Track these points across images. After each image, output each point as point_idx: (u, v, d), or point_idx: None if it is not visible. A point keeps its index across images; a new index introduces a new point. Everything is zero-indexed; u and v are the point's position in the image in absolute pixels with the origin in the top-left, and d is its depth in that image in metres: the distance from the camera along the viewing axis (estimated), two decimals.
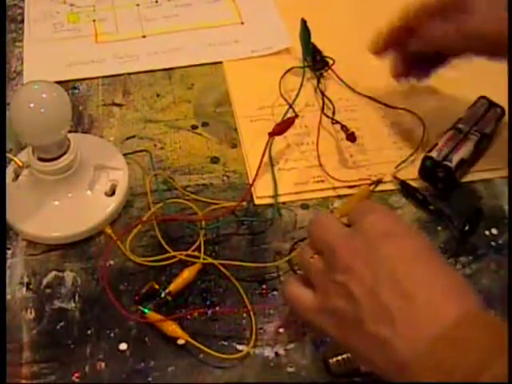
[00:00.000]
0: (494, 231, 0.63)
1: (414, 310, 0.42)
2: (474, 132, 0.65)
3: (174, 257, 0.60)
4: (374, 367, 0.44)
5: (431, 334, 0.41)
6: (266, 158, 0.67)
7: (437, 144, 0.65)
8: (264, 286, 0.59)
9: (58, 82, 0.60)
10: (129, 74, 0.77)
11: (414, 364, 0.41)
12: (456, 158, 0.63)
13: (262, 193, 0.65)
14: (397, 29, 0.66)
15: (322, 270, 0.48)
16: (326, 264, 0.47)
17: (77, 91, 0.75)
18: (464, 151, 0.64)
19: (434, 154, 0.64)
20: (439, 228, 0.63)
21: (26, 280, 0.59)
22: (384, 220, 0.47)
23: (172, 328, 0.55)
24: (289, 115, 0.71)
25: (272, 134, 0.67)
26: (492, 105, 0.68)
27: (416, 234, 0.48)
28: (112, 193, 0.64)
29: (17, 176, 0.64)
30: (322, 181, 0.66)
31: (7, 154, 0.64)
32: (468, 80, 0.71)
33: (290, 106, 0.71)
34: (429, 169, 0.64)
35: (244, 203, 0.64)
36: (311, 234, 0.50)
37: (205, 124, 0.72)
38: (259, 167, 0.65)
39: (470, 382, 0.38)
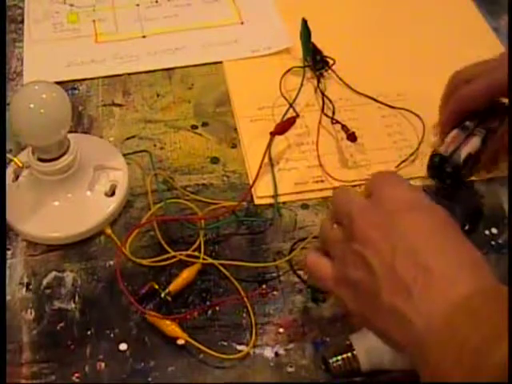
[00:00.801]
0: (494, 231, 0.63)
1: (430, 283, 0.42)
2: (479, 129, 0.65)
3: (174, 257, 0.60)
4: (389, 338, 0.45)
5: (446, 305, 0.41)
6: (265, 158, 0.67)
7: (443, 142, 0.65)
8: (264, 286, 0.59)
9: (58, 83, 0.61)
10: (129, 74, 0.77)
11: (428, 336, 0.41)
12: (464, 154, 0.63)
13: (262, 193, 0.65)
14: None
15: (340, 240, 0.48)
16: (345, 234, 0.48)
17: (77, 91, 0.75)
18: (471, 146, 0.64)
19: (441, 149, 0.64)
20: None
21: (25, 280, 0.59)
22: (403, 193, 0.48)
23: (172, 328, 0.55)
24: (289, 115, 0.70)
25: (274, 134, 0.67)
26: (495, 101, 0.67)
27: (434, 207, 0.47)
28: (112, 193, 0.64)
29: (17, 176, 0.64)
30: (322, 181, 0.66)
31: (7, 155, 0.65)
32: None
33: (291, 106, 0.71)
34: (437, 165, 0.64)
35: (244, 203, 0.64)
36: (333, 205, 0.51)
37: (205, 124, 0.72)
38: (260, 167, 0.65)
39: (482, 354, 0.38)
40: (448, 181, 0.64)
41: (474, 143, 0.64)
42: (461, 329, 0.40)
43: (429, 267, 0.42)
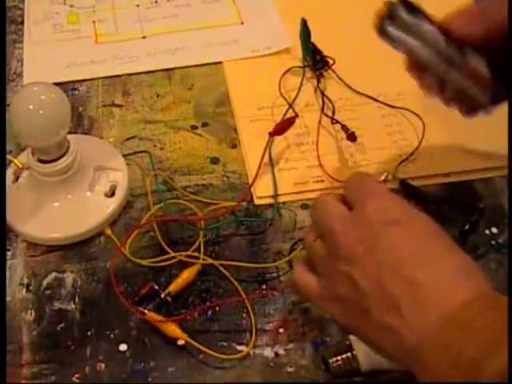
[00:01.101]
0: (494, 230, 0.63)
1: (421, 296, 0.41)
2: None
3: (174, 257, 0.60)
4: (382, 351, 0.44)
5: (439, 317, 0.40)
6: (265, 158, 0.67)
7: None
8: (264, 287, 0.59)
9: (58, 83, 0.61)
10: (129, 74, 0.77)
11: (422, 349, 0.40)
12: None
13: (261, 193, 0.65)
14: None
15: (325, 257, 0.47)
16: (328, 250, 0.47)
17: (77, 92, 0.75)
18: None
19: None
20: None
21: (26, 281, 0.59)
22: (387, 205, 0.46)
23: (172, 328, 0.55)
24: (289, 115, 0.70)
25: (273, 134, 0.67)
26: None
27: (420, 217, 0.46)
28: (112, 194, 0.64)
29: (17, 178, 0.64)
30: (322, 181, 0.66)
31: (7, 156, 0.65)
32: None
33: (290, 106, 0.71)
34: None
35: (244, 203, 0.64)
36: (312, 217, 0.50)
37: (205, 124, 0.72)
38: (259, 167, 0.65)
39: (479, 363, 0.38)
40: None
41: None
42: (455, 341, 0.39)
43: (417, 280, 0.42)
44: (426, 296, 0.41)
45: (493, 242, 0.62)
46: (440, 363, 0.39)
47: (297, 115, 0.70)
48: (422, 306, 0.41)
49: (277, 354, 0.55)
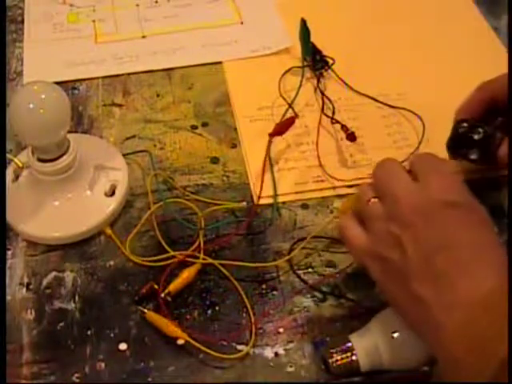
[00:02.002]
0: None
1: (458, 277, 0.44)
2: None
3: (174, 257, 0.60)
4: (408, 321, 0.47)
5: (468, 300, 0.43)
6: (266, 158, 0.67)
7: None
8: (264, 286, 0.59)
9: (58, 83, 0.60)
10: (129, 74, 0.77)
11: (446, 328, 0.43)
12: (493, 124, 0.58)
13: (261, 193, 0.65)
14: None
15: (379, 217, 0.49)
16: (385, 212, 0.49)
17: (77, 91, 0.75)
18: (494, 123, 0.59)
19: (467, 117, 0.59)
20: None
21: (26, 280, 0.59)
22: (450, 186, 0.49)
23: (172, 328, 0.55)
24: (288, 115, 0.70)
25: (272, 135, 0.67)
26: None
27: (476, 206, 0.49)
28: (112, 193, 0.64)
29: (17, 177, 0.64)
30: (322, 180, 0.66)
31: (7, 155, 0.65)
32: (469, 79, 0.71)
33: (290, 106, 0.71)
34: (464, 131, 0.58)
35: (244, 203, 0.64)
36: (376, 177, 0.52)
37: (205, 124, 0.72)
38: (263, 172, 0.65)
39: (492, 347, 0.41)
40: (473, 155, 0.57)
41: (497, 120, 0.59)
42: (478, 322, 0.42)
43: (460, 262, 0.44)
44: (462, 278, 0.44)
45: None
46: (462, 341, 0.42)
47: (296, 115, 0.70)
48: (457, 286, 0.44)
49: (277, 354, 0.55)
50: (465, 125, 0.59)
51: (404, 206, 0.48)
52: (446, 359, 0.44)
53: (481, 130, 0.58)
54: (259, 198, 0.65)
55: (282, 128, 0.67)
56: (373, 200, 0.51)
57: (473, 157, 0.59)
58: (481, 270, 0.44)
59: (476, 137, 0.58)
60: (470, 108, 0.61)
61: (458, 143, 0.59)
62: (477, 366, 0.41)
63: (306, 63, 0.75)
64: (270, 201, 0.65)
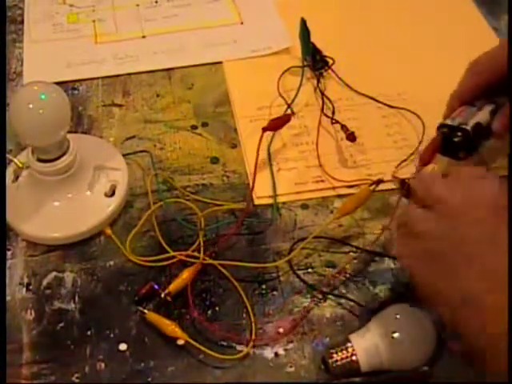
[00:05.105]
0: None
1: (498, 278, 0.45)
2: (488, 104, 0.63)
3: (174, 257, 0.60)
4: (456, 321, 0.47)
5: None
6: (265, 158, 0.68)
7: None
8: (264, 286, 0.59)
9: (58, 83, 0.61)
10: (129, 74, 0.77)
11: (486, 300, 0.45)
12: (472, 122, 0.61)
13: (261, 193, 0.65)
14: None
15: (428, 218, 0.50)
16: (435, 214, 0.50)
17: (76, 92, 0.75)
18: (480, 117, 0.61)
19: (448, 121, 0.61)
20: None
21: (25, 281, 0.59)
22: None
23: (172, 328, 0.55)
24: None
25: (266, 129, 0.66)
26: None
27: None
28: (112, 193, 0.64)
29: (17, 177, 0.64)
30: (322, 181, 0.66)
31: (7, 155, 0.64)
32: None
33: (289, 106, 0.71)
34: (446, 135, 0.61)
35: (244, 203, 0.64)
36: (418, 189, 0.54)
37: (204, 124, 0.72)
38: (256, 163, 0.65)
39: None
40: (461, 154, 0.61)
41: (482, 114, 0.62)
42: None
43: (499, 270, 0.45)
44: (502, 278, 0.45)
45: None
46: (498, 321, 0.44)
47: (293, 113, 0.70)
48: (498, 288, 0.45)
49: (277, 354, 0.55)
50: (445, 130, 0.61)
51: (456, 201, 0.49)
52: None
53: (459, 133, 0.60)
54: (252, 188, 0.64)
55: (276, 124, 0.67)
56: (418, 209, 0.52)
57: (460, 155, 0.61)
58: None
59: (456, 139, 0.60)
60: (463, 94, 0.63)
61: (443, 146, 0.62)
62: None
63: (305, 63, 0.75)
64: (270, 201, 0.65)
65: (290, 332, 0.56)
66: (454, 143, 0.61)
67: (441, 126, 0.62)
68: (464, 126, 0.60)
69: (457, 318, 0.47)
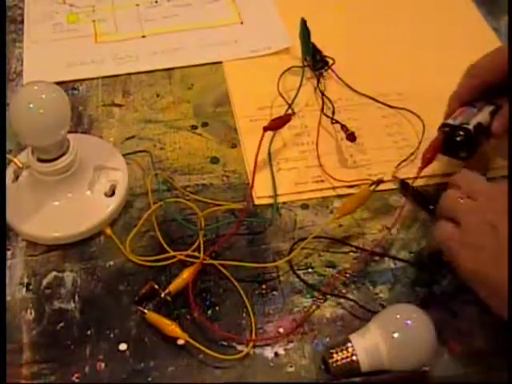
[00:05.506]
0: None
1: None
2: (487, 105, 0.64)
3: (174, 257, 0.60)
4: (497, 304, 0.52)
5: None
6: (265, 158, 0.68)
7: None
8: (264, 286, 0.59)
9: (58, 83, 0.61)
10: (129, 74, 0.77)
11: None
12: (473, 122, 0.62)
13: (261, 193, 0.65)
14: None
15: (471, 210, 0.54)
16: (478, 206, 0.54)
17: (76, 92, 0.75)
18: (480, 117, 0.63)
19: (449, 121, 0.63)
20: None
21: (25, 280, 0.59)
22: None
23: (172, 328, 0.55)
24: None
25: (267, 129, 0.66)
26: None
27: None
28: (112, 193, 0.64)
29: (17, 177, 0.64)
30: (322, 181, 0.66)
31: (7, 155, 0.64)
32: None
33: (290, 106, 0.71)
34: (448, 135, 0.62)
35: (243, 203, 0.64)
36: (461, 182, 0.57)
37: (204, 124, 0.72)
38: (255, 162, 0.65)
39: None
40: (462, 153, 0.63)
41: (483, 114, 0.63)
42: None
43: None
44: None
45: None
46: None
47: (293, 113, 0.70)
48: None
49: (277, 354, 0.55)
50: (447, 129, 0.62)
51: (496, 198, 0.54)
52: None
53: (461, 132, 0.61)
54: (252, 182, 0.64)
55: (277, 124, 0.67)
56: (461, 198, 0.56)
57: (462, 155, 0.62)
58: None
59: (458, 139, 0.62)
60: (462, 95, 0.65)
61: (445, 146, 0.63)
62: None
63: (306, 63, 0.75)
64: (270, 201, 0.65)
65: (291, 332, 0.56)
66: (455, 142, 0.62)
67: (443, 126, 0.63)
68: (466, 126, 0.61)
69: (504, 302, 0.50)
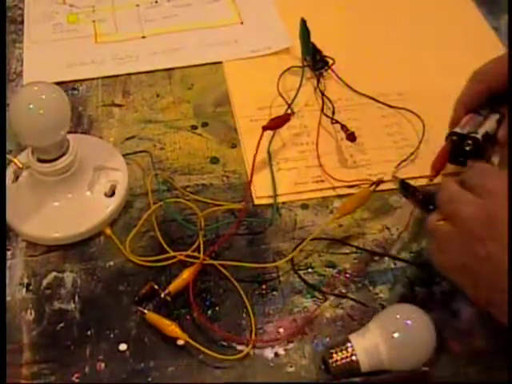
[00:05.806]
0: None
1: None
2: (493, 114, 0.64)
3: (174, 257, 0.60)
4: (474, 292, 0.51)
5: None
6: (265, 158, 0.68)
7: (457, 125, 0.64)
8: (264, 286, 0.59)
9: (58, 83, 0.61)
10: (129, 74, 0.77)
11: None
12: (481, 131, 0.62)
13: (261, 193, 0.65)
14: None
15: (471, 201, 0.51)
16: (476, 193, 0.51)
17: (76, 92, 0.75)
18: (488, 126, 0.63)
19: (457, 129, 0.62)
20: None
21: (25, 281, 0.59)
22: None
23: (172, 328, 0.55)
24: None
25: (266, 128, 0.66)
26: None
27: None
28: (112, 193, 0.64)
29: (17, 177, 0.64)
30: (322, 181, 0.66)
31: (7, 156, 0.64)
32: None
33: (289, 106, 0.71)
34: (456, 144, 0.62)
35: (243, 203, 0.64)
36: (441, 205, 0.54)
37: (204, 124, 0.72)
38: (254, 160, 0.65)
39: None
40: (470, 162, 0.62)
41: (490, 123, 0.63)
42: None
43: None
44: None
45: None
46: None
47: (293, 113, 0.70)
48: None
49: (277, 354, 0.55)
50: (455, 138, 0.62)
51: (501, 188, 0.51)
52: None
53: (470, 141, 0.61)
54: (250, 181, 0.64)
55: (276, 123, 0.67)
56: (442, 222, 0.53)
57: (469, 164, 0.62)
58: None
59: (467, 148, 0.61)
60: (468, 101, 0.64)
61: (452, 154, 0.63)
62: None
63: (305, 63, 0.75)
64: (270, 201, 0.65)
65: (290, 332, 0.56)
66: (464, 151, 0.62)
67: (451, 134, 0.63)
68: (474, 135, 0.61)
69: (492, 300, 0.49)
